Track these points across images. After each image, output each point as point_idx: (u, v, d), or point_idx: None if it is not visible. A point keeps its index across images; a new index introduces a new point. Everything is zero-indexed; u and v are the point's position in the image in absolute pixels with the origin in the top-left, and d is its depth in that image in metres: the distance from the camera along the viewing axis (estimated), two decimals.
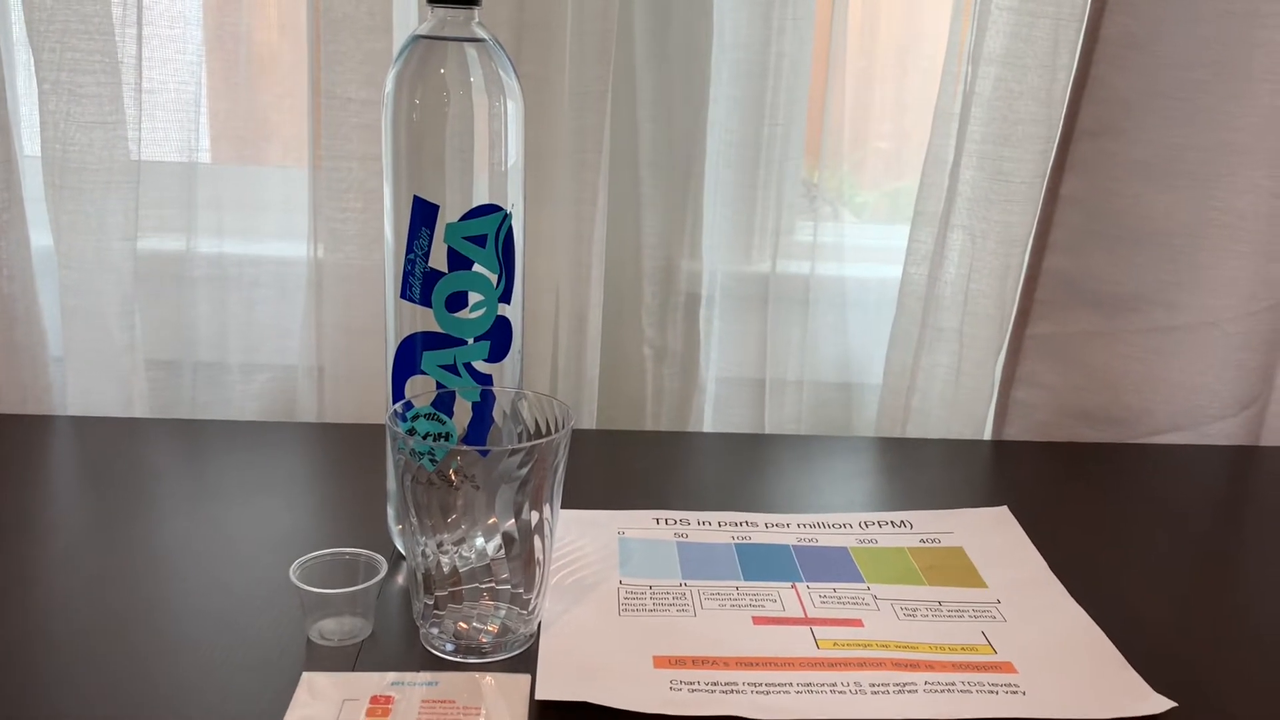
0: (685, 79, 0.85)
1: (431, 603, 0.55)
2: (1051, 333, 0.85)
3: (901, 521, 0.70)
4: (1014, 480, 0.80)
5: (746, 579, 0.62)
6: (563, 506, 0.57)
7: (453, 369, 0.57)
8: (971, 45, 0.81)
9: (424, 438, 0.56)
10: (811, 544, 0.66)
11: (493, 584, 0.55)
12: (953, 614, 0.59)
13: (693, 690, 0.51)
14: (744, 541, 0.66)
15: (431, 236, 0.55)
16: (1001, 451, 0.86)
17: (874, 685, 0.52)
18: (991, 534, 0.69)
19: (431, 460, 0.52)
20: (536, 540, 0.55)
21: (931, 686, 0.52)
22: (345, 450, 0.79)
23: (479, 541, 0.54)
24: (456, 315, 0.57)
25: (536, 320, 0.88)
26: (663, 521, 0.68)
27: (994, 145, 0.82)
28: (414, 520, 0.54)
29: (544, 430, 0.57)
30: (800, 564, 0.64)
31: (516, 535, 0.54)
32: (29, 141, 0.86)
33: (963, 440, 0.87)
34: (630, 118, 0.86)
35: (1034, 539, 0.68)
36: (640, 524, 0.68)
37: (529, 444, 0.53)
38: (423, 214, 0.55)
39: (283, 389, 0.92)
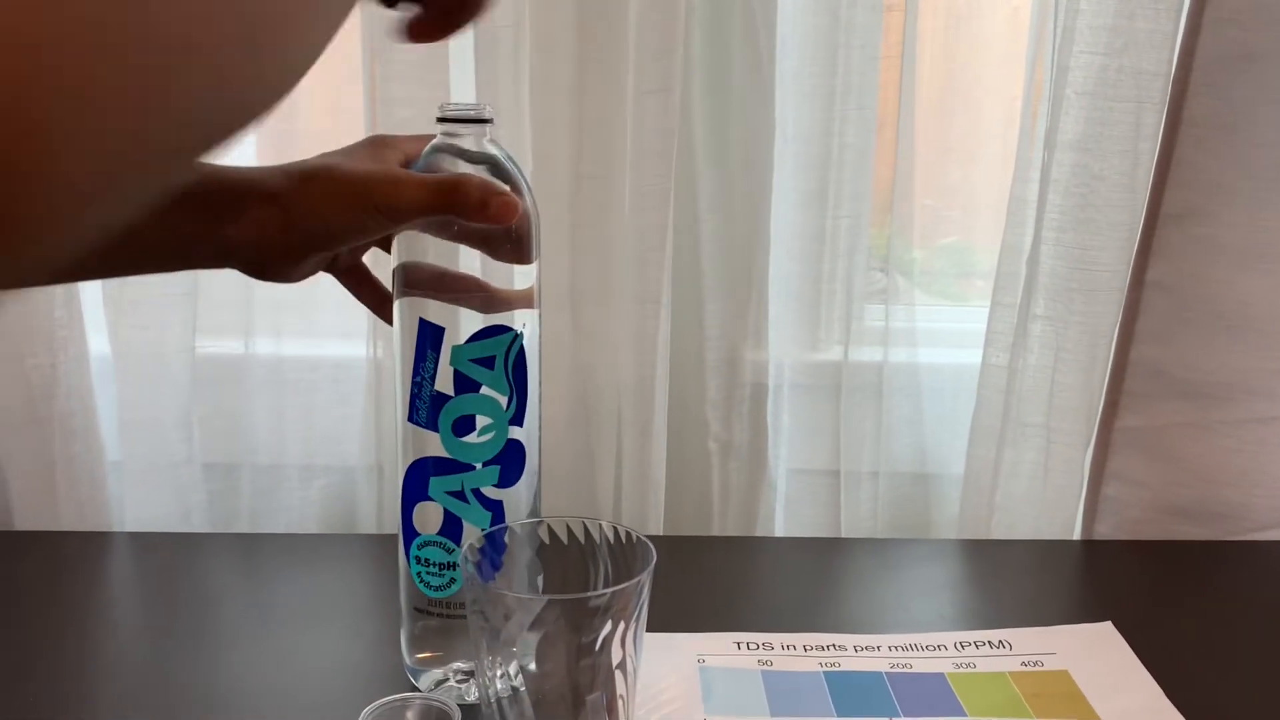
0: (747, 173, 0.83)
1: None
2: (1142, 425, 0.81)
3: (1000, 641, 0.66)
4: (1112, 585, 0.75)
5: (840, 714, 0.58)
6: None
7: (460, 495, 0.55)
8: (1046, 130, 0.78)
9: (431, 565, 0.56)
10: (906, 670, 0.62)
11: None
12: None
13: None
14: (833, 669, 0.62)
15: (438, 359, 0.53)
16: (1095, 552, 0.81)
17: None
18: (1097, 654, 0.64)
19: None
20: (619, 678, 0.52)
21: None
22: None
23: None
24: (464, 440, 0.55)
25: (599, 422, 0.85)
26: (744, 646, 0.65)
27: (1073, 233, 0.78)
28: (487, 659, 0.51)
29: (621, 562, 0.54)
30: (896, 695, 0.60)
31: (597, 676, 0.51)
32: None
33: (1053, 541, 0.82)
34: (692, 212, 0.84)
35: (1142, 656, 0.64)
36: (721, 649, 0.64)
37: (611, 590, 0.50)
38: (428, 336, 0.53)
39: (342, 491, 0.90)
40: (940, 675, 0.62)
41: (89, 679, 0.61)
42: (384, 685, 0.55)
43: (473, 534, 0.55)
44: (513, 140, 0.79)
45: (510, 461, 0.55)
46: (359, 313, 0.85)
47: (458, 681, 0.59)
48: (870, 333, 0.88)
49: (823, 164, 0.83)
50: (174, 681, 0.61)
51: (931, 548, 0.82)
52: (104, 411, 0.84)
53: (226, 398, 0.87)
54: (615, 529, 0.55)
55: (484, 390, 0.54)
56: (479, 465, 0.55)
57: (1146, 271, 0.79)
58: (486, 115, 0.55)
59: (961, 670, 0.62)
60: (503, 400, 0.54)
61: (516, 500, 0.57)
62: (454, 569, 0.56)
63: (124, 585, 0.75)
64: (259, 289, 0.86)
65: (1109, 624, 0.67)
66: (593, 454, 0.87)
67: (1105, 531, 0.83)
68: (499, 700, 0.51)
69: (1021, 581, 0.76)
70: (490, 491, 0.55)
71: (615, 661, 0.51)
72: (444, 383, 0.54)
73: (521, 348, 0.55)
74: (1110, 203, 0.77)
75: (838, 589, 0.74)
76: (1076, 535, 0.85)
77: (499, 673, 0.51)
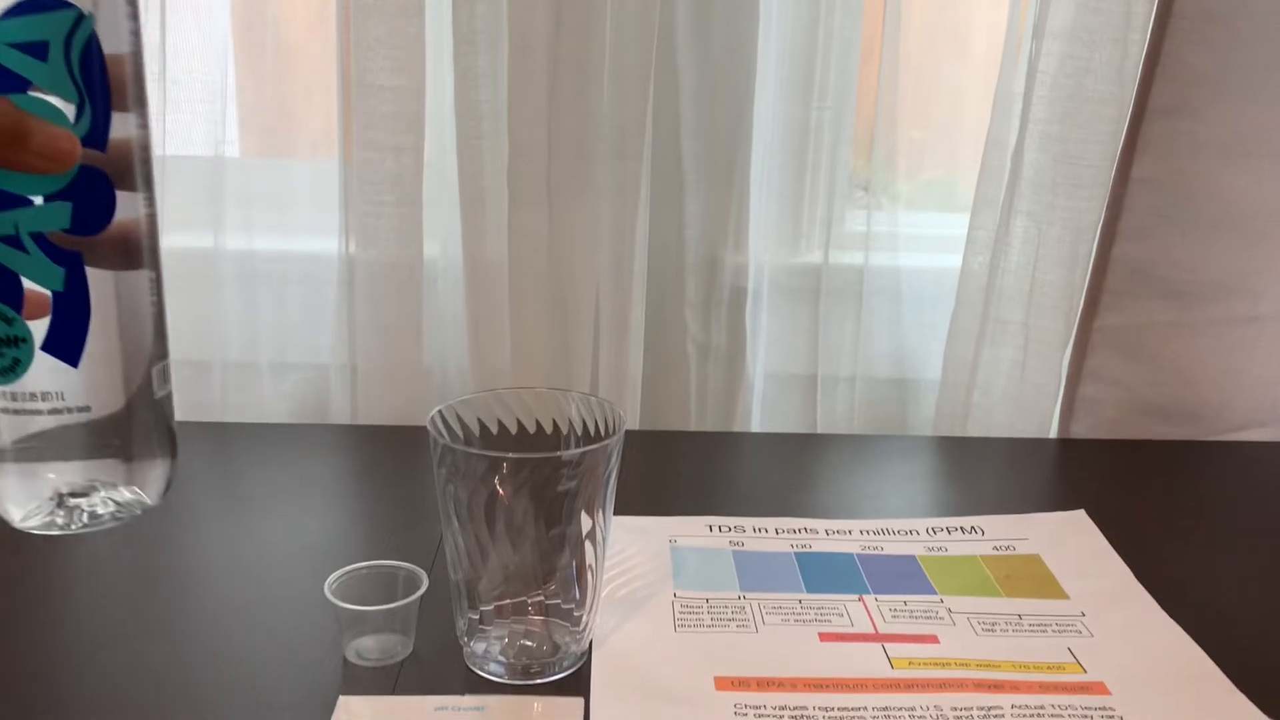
0: (730, 63, 0.81)
1: (476, 618, 0.52)
2: (1121, 324, 0.80)
3: (972, 527, 0.65)
4: (1087, 481, 0.75)
5: (810, 591, 0.58)
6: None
7: (14, 241, 0.38)
8: (1035, 19, 0.76)
9: None
10: (877, 552, 0.62)
11: (541, 598, 0.52)
12: (1034, 628, 0.55)
13: (759, 715, 0.48)
14: (804, 550, 0.62)
15: None
16: (1071, 450, 0.81)
17: (956, 709, 0.48)
18: (1069, 540, 0.64)
19: None
20: (588, 548, 0.51)
21: (1019, 710, 0.48)
22: (381, 454, 0.76)
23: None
24: None
25: (577, 317, 0.84)
26: (716, 529, 0.64)
27: (1059, 126, 0.77)
28: (455, 526, 0.50)
29: (594, 434, 0.53)
30: (866, 574, 0.60)
31: (566, 545, 0.50)
32: None
33: (1029, 439, 0.82)
34: (672, 104, 0.82)
35: (1114, 544, 0.64)
36: (693, 531, 0.64)
37: (580, 450, 0.49)
38: None
39: (315, 389, 0.89)
40: (911, 557, 0.62)
41: (57, 562, 0.60)
42: (349, 560, 0.54)
43: (40, 301, 0.38)
44: (489, 22, 0.77)
45: (88, 198, 0.39)
46: (331, 208, 0.84)
47: (59, 505, 0.40)
48: (851, 237, 0.87)
49: (808, 53, 0.81)
50: (142, 564, 0.60)
51: (907, 443, 0.82)
52: None
53: (196, 294, 0.85)
54: (588, 400, 0.54)
55: (34, 92, 0.37)
56: (39, 199, 0.38)
57: (1132, 168, 0.78)
58: None
59: (932, 553, 0.62)
60: (69, 110, 0.38)
61: (108, 256, 0.39)
62: (16, 345, 0.38)
63: None
64: (229, 182, 0.85)
65: (1082, 511, 0.67)
66: (569, 351, 0.86)
67: (1081, 431, 0.83)
68: (470, 568, 0.51)
69: (996, 476, 0.76)
70: (61, 239, 0.38)
71: (585, 531, 0.51)
72: None
73: (94, 36, 0.38)
74: (1098, 96, 0.76)
75: (812, 480, 0.74)
76: (1053, 435, 0.84)
77: (469, 541, 0.50)
